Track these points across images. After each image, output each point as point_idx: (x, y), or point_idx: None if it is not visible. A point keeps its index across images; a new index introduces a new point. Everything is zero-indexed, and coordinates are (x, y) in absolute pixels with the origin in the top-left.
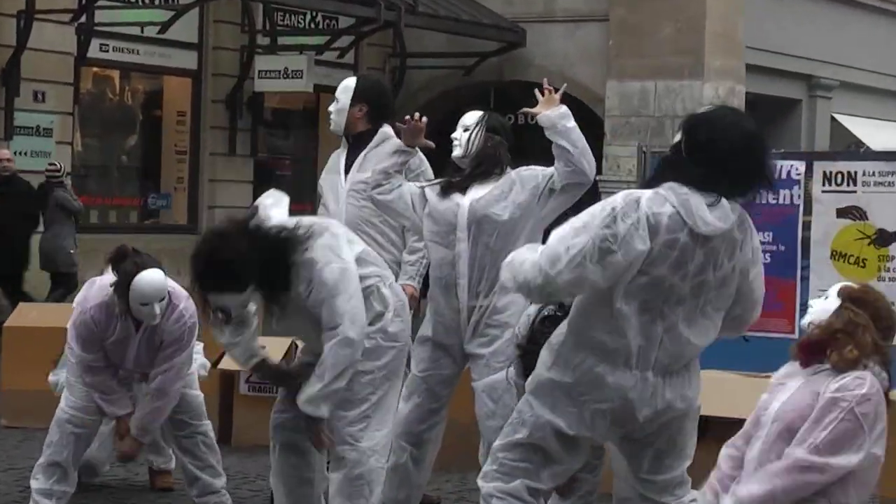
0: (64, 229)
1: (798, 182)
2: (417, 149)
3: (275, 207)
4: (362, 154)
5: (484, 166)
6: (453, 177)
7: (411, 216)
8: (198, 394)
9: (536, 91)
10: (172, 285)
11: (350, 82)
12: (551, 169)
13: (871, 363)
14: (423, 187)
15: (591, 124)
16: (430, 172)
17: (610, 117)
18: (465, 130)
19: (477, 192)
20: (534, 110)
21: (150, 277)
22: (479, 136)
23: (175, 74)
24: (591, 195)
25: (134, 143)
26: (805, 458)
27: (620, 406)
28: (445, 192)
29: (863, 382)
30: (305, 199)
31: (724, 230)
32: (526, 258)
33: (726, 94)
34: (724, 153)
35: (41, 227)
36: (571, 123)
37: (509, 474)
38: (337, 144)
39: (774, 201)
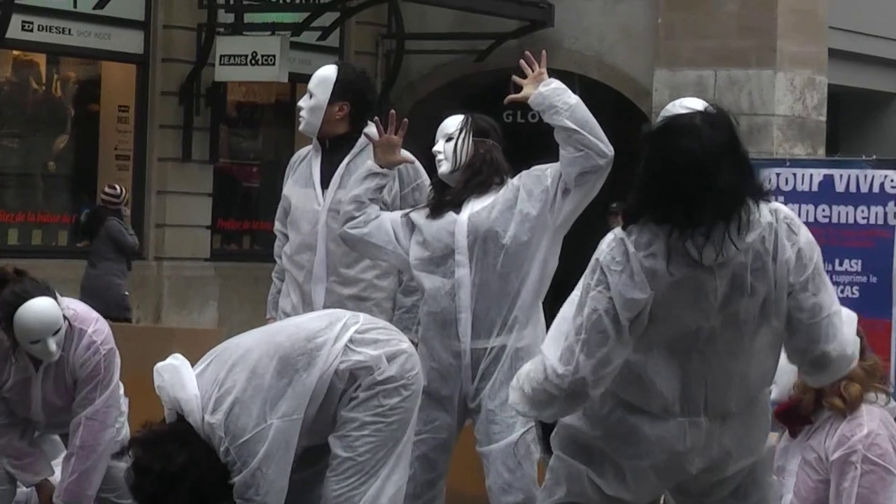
0: (115, 267)
1: (893, 197)
2: (417, 163)
3: (180, 388)
4: (343, 163)
5: (481, 175)
6: (444, 195)
7: (394, 249)
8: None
9: (518, 71)
10: (74, 307)
11: (328, 72)
12: (556, 165)
13: (873, 390)
14: (407, 213)
15: (633, 123)
16: (427, 187)
17: (658, 114)
18: (449, 140)
19: (476, 206)
20: (520, 95)
21: (37, 308)
22: (466, 142)
23: (116, 59)
24: None
25: (64, 145)
26: None
27: (665, 461)
28: (436, 211)
29: (860, 422)
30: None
31: (734, 253)
32: (530, 370)
33: (804, 86)
34: (659, 178)
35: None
36: (573, 98)
37: None
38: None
39: (864, 221)
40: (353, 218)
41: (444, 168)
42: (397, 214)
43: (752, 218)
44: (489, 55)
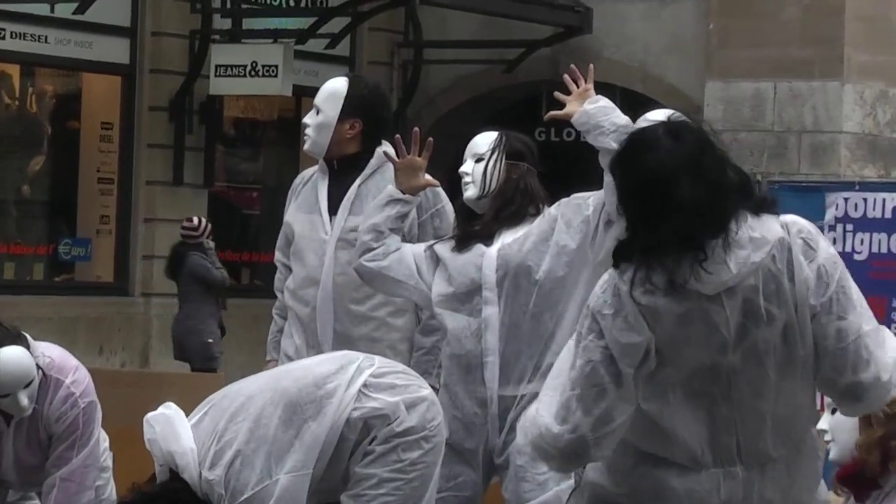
0: (201, 309)
1: None
2: (437, 187)
3: (173, 440)
4: (354, 186)
5: (513, 205)
6: (471, 225)
7: (416, 285)
8: None
9: (556, 84)
10: (50, 354)
11: (337, 86)
12: (600, 193)
13: None
14: (431, 246)
15: None
16: (449, 213)
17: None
18: (479, 161)
19: (507, 237)
20: (563, 112)
21: (5, 359)
22: (498, 165)
23: (99, 71)
24: None
25: (40, 167)
26: None
27: None
28: (463, 243)
29: None
30: None
31: (740, 275)
32: (528, 418)
33: (875, 100)
34: (627, 202)
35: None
36: (622, 119)
37: None
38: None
39: None
40: (371, 249)
41: (470, 192)
42: (420, 247)
43: (748, 235)
44: (519, 66)
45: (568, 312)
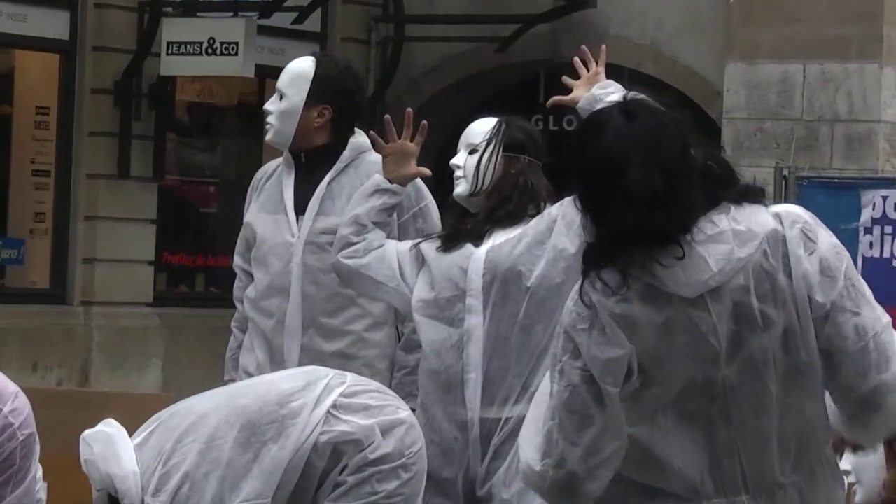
0: None
1: None
2: (419, 182)
3: (114, 462)
4: (323, 182)
5: (510, 204)
6: (462, 223)
7: (398, 287)
8: None
9: (566, 69)
10: None
11: (304, 66)
12: None
13: None
14: (417, 244)
15: (699, 131)
16: (433, 212)
17: (731, 120)
18: (472, 152)
19: (499, 238)
20: (569, 97)
21: None
22: (494, 158)
23: (34, 48)
24: None
25: None
26: None
27: None
28: (451, 243)
29: None
30: None
31: (724, 273)
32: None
33: None
34: (582, 194)
35: None
36: (619, 88)
37: None
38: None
39: None
40: (351, 244)
41: (461, 188)
42: (406, 245)
43: (731, 228)
44: (514, 44)
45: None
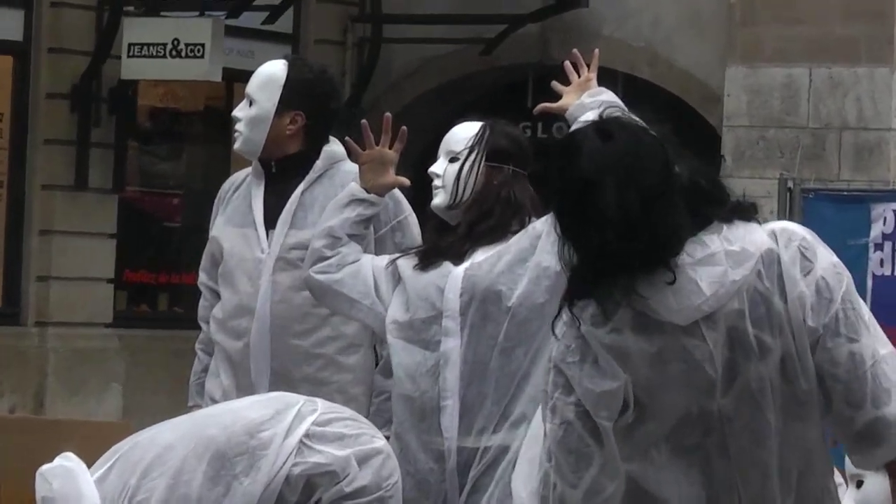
0: None
1: None
2: (398, 193)
3: (74, 499)
4: (296, 194)
5: (491, 218)
6: (441, 239)
7: (371, 306)
8: None
9: (554, 72)
10: None
11: (274, 70)
12: None
13: None
14: (395, 260)
15: (698, 139)
16: (413, 226)
17: (732, 127)
18: (453, 160)
19: (479, 256)
20: (558, 105)
21: None
22: (475, 168)
23: None
24: None
25: None
26: None
27: None
28: (427, 260)
29: None
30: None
31: (717, 297)
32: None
33: None
34: (561, 220)
35: None
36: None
37: None
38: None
39: None
40: (324, 258)
41: (438, 199)
42: (383, 260)
43: (723, 249)
44: (500, 45)
45: (547, 348)
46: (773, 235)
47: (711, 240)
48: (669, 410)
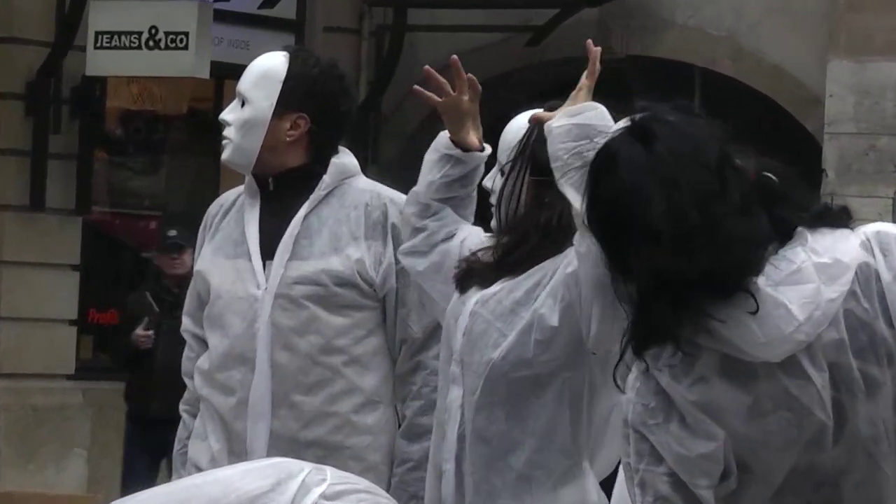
0: None
1: None
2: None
3: None
4: (298, 216)
5: (527, 244)
6: (475, 260)
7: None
8: None
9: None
10: None
11: (272, 64)
12: None
13: None
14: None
15: (792, 148)
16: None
17: (835, 135)
18: (502, 172)
19: (495, 288)
20: (550, 115)
21: None
22: (519, 184)
23: None
24: None
25: None
26: None
27: None
28: (462, 283)
29: None
30: None
31: (813, 321)
32: None
33: None
34: (599, 242)
35: None
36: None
37: None
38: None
39: None
40: (415, 231)
41: (494, 221)
42: (477, 237)
43: (812, 262)
44: (550, 35)
45: (542, 417)
46: (867, 244)
47: (795, 253)
48: (773, 470)
